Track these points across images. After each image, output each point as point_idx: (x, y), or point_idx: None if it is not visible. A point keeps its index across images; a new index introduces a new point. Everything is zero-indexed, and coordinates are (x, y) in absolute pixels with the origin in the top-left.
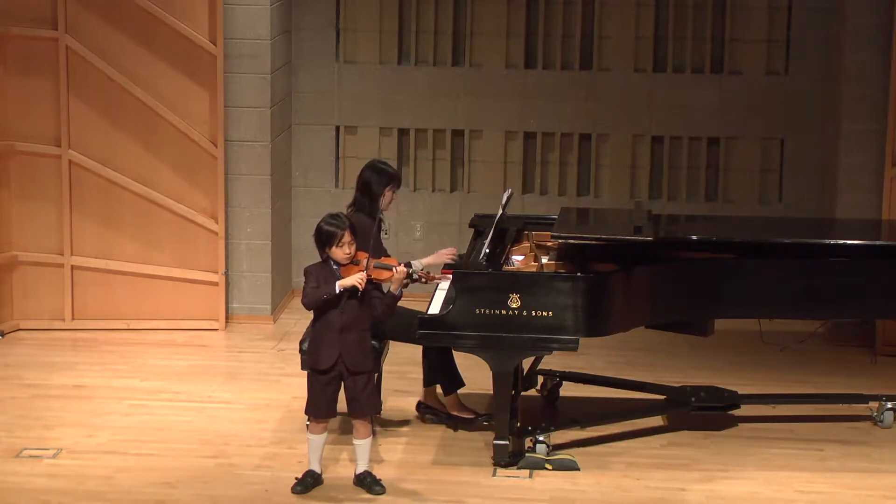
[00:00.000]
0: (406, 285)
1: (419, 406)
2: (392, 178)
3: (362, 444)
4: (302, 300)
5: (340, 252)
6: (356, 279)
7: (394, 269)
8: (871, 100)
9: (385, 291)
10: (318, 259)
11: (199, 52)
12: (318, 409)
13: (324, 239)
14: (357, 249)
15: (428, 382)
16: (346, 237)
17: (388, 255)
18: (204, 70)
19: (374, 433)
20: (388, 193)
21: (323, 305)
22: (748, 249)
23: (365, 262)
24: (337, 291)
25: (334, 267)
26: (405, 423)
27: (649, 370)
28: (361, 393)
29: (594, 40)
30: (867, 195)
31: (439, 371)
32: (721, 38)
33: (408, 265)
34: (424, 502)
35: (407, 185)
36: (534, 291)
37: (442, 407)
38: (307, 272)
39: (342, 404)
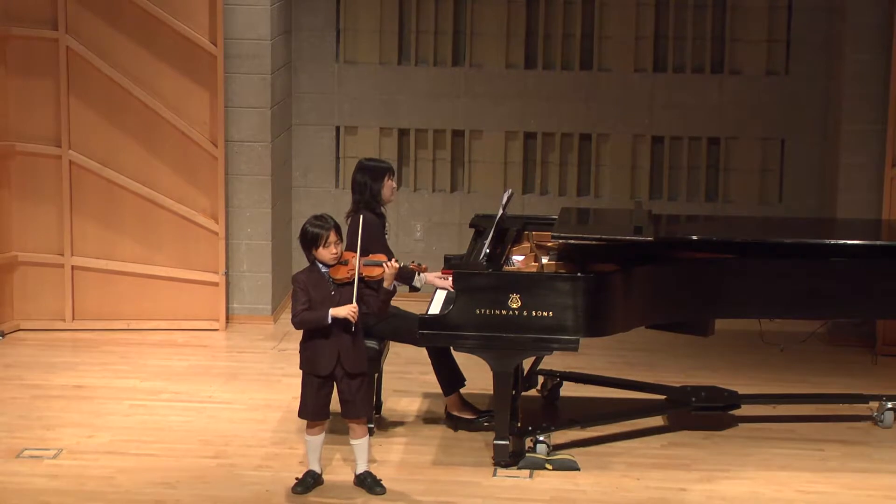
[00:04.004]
0: (412, 287)
1: (447, 416)
2: (385, 170)
3: (359, 444)
4: (292, 320)
5: (327, 253)
6: (349, 313)
7: (384, 264)
8: (871, 100)
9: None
10: None
11: (200, 53)
12: (312, 411)
13: (309, 240)
14: (346, 249)
15: (448, 391)
16: (332, 237)
17: (388, 252)
18: (204, 70)
19: (371, 433)
20: (387, 183)
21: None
22: (748, 249)
23: (353, 261)
24: (328, 321)
25: (322, 270)
26: (405, 423)
27: (649, 370)
28: (356, 395)
29: (594, 40)
30: (867, 195)
31: (440, 371)
32: (721, 38)
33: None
34: (425, 503)
35: (407, 185)
36: (534, 292)
37: (469, 412)
38: (295, 281)
39: (337, 405)
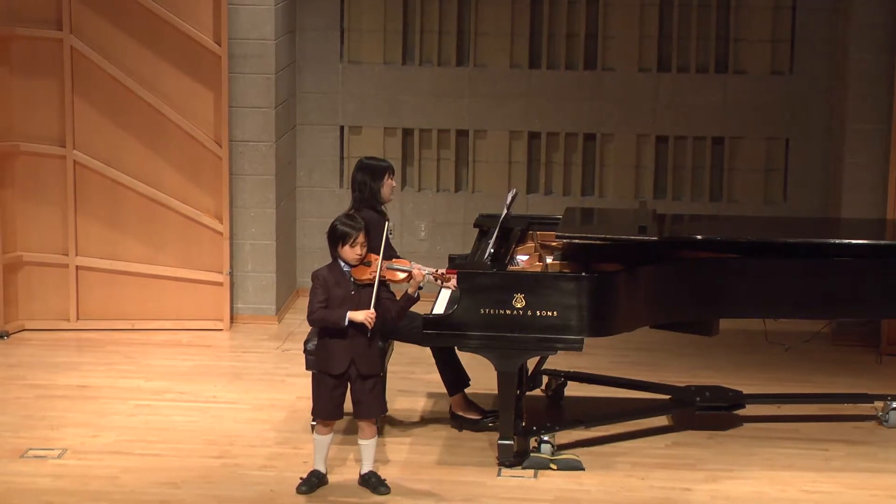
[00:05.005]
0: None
1: (452, 416)
2: (385, 168)
3: (367, 445)
4: (308, 316)
5: (352, 252)
6: (366, 319)
7: (412, 270)
8: (875, 99)
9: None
10: (322, 259)
11: (204, 53)
12: (326, 411)
13: (338, 237)
14: (368, 250)
15: (452, 391)
16: (360, 238)
17: (397, 257)
18: (208, 70)
19: (378, 433)
20: (387, 182)
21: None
22: (753, 249)
23: (376, 263)
24: (346, 324)
25: (345, 268)
26: (410, 423)
27: (654, 370)
28: (368, 395)
29: (598, 40)
30: (872, 195)
31: (444, 371)
32: (725, 38)
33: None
34: (429, 503)
35: (411, 185)
36: (538, 291)
37: (473, 412)
38: (315, 278)
39: (347, 404)
